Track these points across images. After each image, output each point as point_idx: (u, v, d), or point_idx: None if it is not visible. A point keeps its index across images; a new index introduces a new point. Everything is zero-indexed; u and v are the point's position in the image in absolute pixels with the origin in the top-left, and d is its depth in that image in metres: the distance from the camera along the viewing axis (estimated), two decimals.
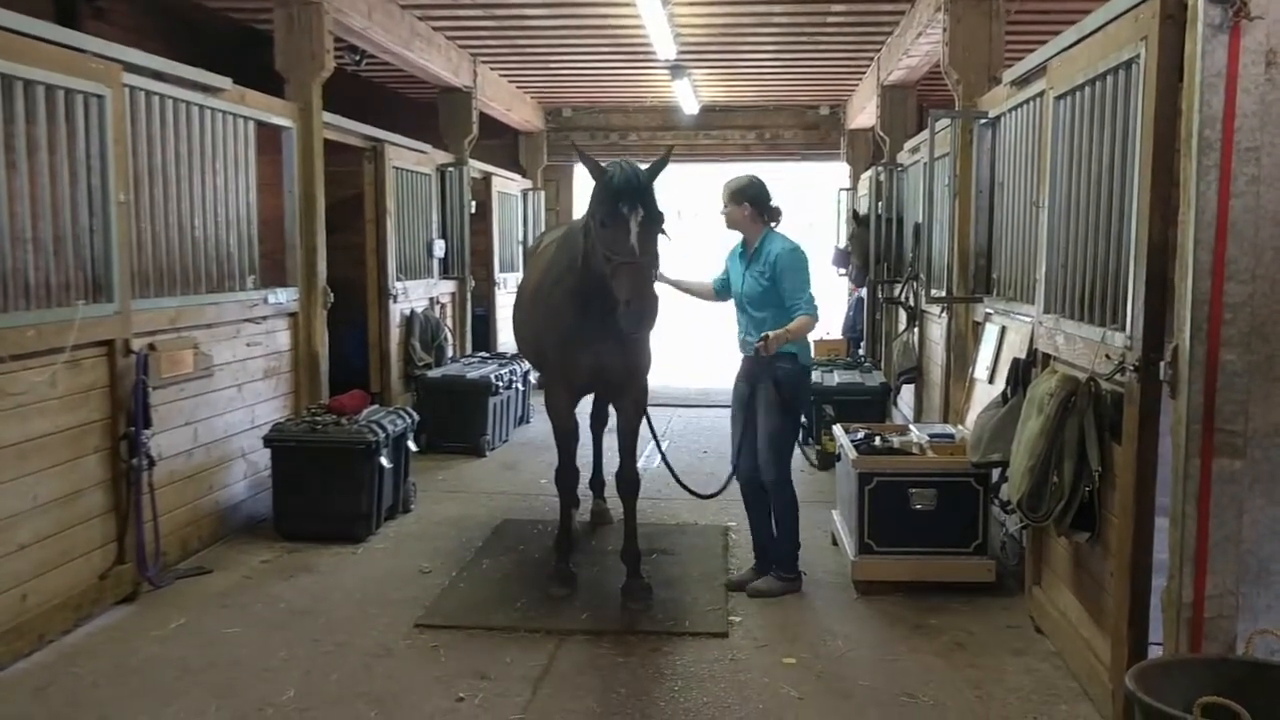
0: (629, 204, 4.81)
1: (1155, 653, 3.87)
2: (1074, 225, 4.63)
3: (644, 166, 5.01)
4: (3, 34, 4.52)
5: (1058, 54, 4.95)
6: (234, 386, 6.61)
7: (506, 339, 12.69)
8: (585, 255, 5.17)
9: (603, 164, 5.00)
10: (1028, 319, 5.49)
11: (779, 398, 5.47)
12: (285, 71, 7.41)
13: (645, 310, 4.78)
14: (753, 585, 5.64)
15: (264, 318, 6.96)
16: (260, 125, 6.99)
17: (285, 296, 7.22)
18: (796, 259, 5.49)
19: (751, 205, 5.56)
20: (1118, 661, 3.93)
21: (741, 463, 5.71)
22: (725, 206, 5.64)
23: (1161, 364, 3.62)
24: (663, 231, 5.03)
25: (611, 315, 5.01)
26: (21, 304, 4.66)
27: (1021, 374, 5.17)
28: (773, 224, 5.63)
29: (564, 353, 5.47)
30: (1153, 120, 3.70)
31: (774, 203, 5.63)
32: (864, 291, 11.89)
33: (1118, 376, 3.99)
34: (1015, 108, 6.10)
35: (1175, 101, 3.60)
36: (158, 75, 5.79)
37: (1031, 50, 5.75)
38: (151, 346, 5.59)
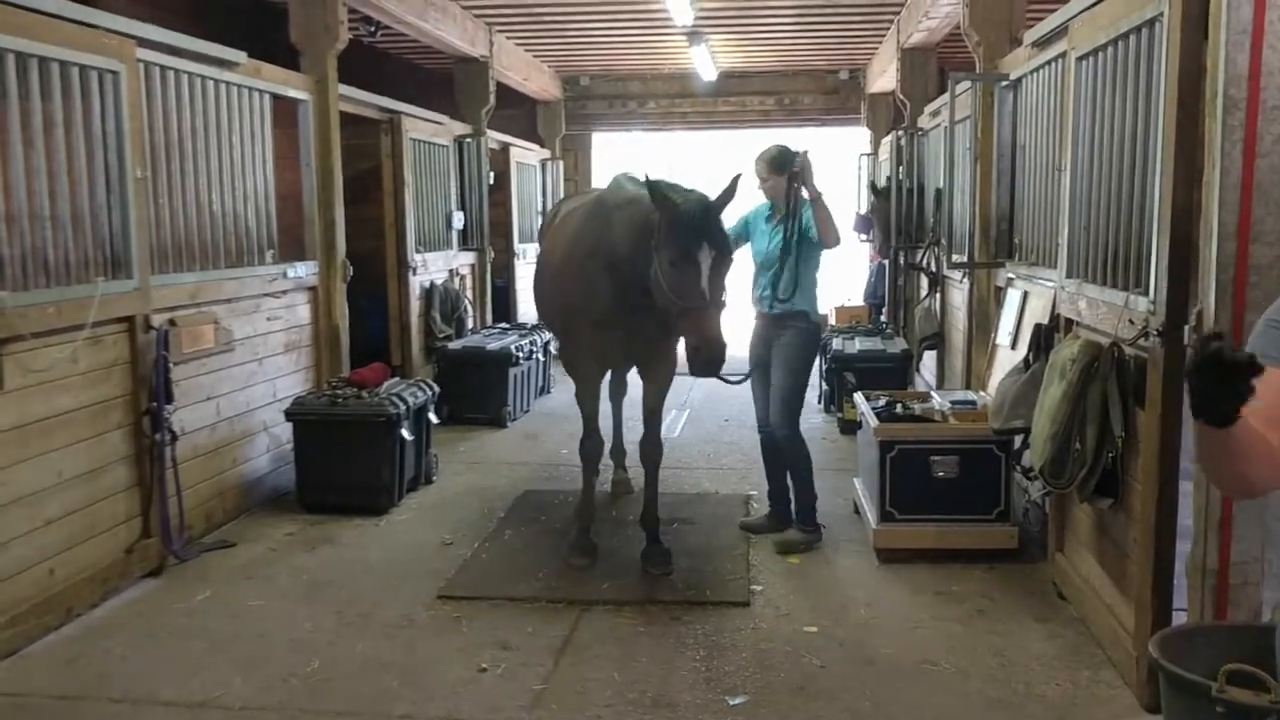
0: (698, 242, 4.58)
1: (1179, 619, 3.84)
2: (1096, 188, 4.56)
3: (712, 198, 4.80)
4: (17, 11, 4.52)
5: (1080, 13, 4.87)
6: (255, 361, 6.64)
7: (526, 310, 12.68)
8: (632, 259, 4.96)
9: (671, 197, 4.72)
10: (1050, 284, 5.43)
11: (790, 355, 5.69)
12: (300, 44, 7.38)
13: (715, 356, 4.63)
14: (778, 538, 5.84)
15: (284, 292, 6.97)
16: (276, 98, 6.97)
17: (305, 270, 7.23)
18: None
19: (789, 172, 5.66)
20: (1141, 628, 3.91)
21: (761, 414, 5.98)
22: (768, 178, 5.73)
23: (1186, 328, 3.58)
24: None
25: (649, 293, 4.95)
26: (42, 281, 4.68)
27: (1044, 340, 5.12)
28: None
29: (597, 328, 5.34)
30: (1176, 79, 3.62)
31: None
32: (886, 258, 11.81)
33: (1141, 341, 3.94)
34: (1037, 69, 6.02)
35: (1199, 60, 3.53)
36: (172, 50, 5.77)
37: (1052, 10, 5.65)
38: (172, 322, 5.61)
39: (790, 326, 5.68)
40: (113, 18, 5.30)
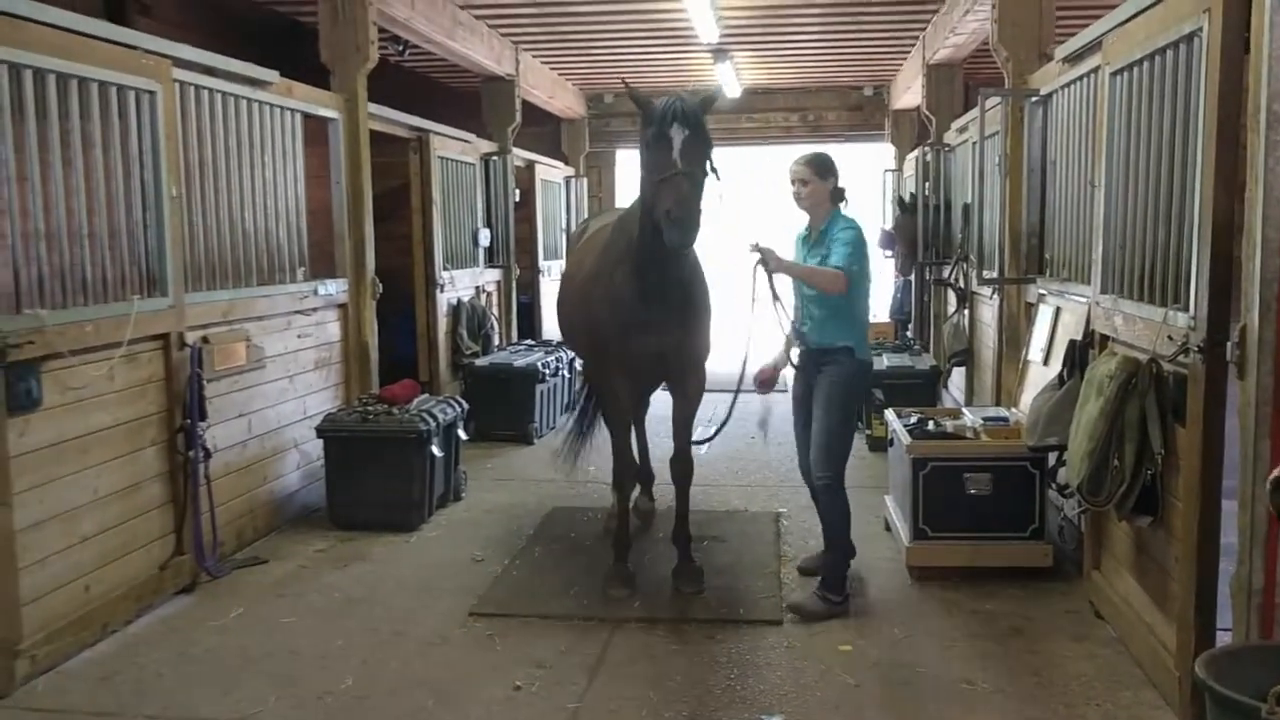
0: (672, 124, 4.72)
1: (1223, 639, 3.79)
2: (1132, 204, 4.54)
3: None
4: (58, 33, 4.57)
5: (1113, 29, 4.85)
6: (286, 378, 6.67)
7: (552, 326, 12.70)
8: (642, 225, 5.04)
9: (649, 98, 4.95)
10: (1083, 300, 5.40)
11: (828, 393, 5.16)
12: (330, 63, 7.43)
13: (688, 220, 4.64)
14: (791, 601, 5.21)
15: (314, 309, 7.00)
16: (307, 117, 7.02)
17: (335, 288, 7.26)
18: (854, 235, 5.13)
19: (823, 180, 5.19)
20: (1184, 648, 3.86)
21: (804, 462, 5.47)
22: (808, 180, 5.19)
23: (1229, 344, 3.54)
24: (712, 167, 4.88)
25: (674, 299, 5.01)
26: (80, 299, 4.73)
27: (1078, 356, 5.09)
28: (841, 204, 5.30)
29: (625, 340, 5.29)
30: (1217, 95, 3.60)
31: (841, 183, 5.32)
32: (911, 274, 11.77)
33: (1181, 358, 3.91)
34: (1068, 85, 5.99)
35: (1240, 75, 3.51)
36: (207, 70, 5.83)
37: (1083, 26, 5.64)
38: (205, 339, 5.64)
39: (832, 363, 5.17)
40: (150, 38, 5.36)
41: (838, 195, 5.28)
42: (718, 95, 5.12)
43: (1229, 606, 3.65)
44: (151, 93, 5.19)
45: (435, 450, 6.66)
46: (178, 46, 5.55)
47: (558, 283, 13.27)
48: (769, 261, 5.02)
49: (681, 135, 4.74)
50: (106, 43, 4.93)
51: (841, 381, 5.18)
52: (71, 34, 4.67)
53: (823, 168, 5.21)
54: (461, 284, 10.05)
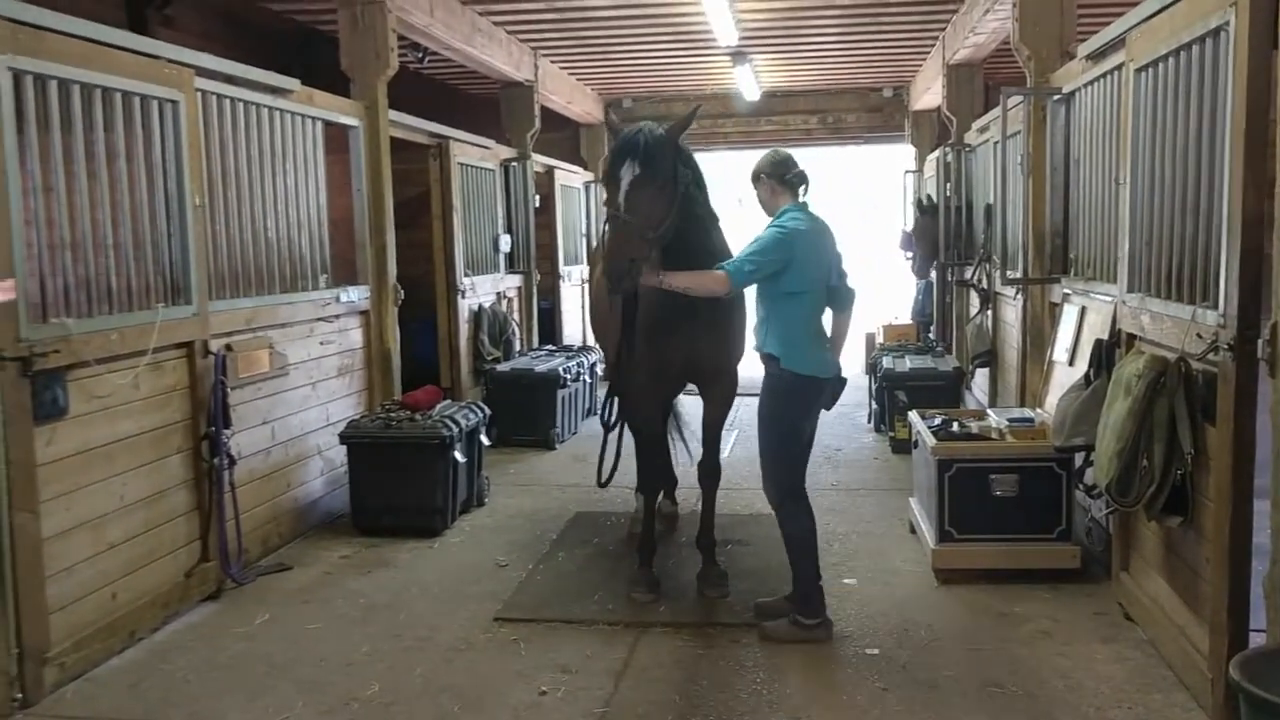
0: (622, 162, 4.68)
1: (1255, 640, 3.75)
2: (1159, 201, 4.49)
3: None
4: (82, 44, 4.61)
5: (1137, 25, 4.81)
6: (309, 385, 6.69)
7: (572, 332, 12.74)
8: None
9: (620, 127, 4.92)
10: (1109, 299, 5.36)
11: (759, 406, 4.91)
12: (351, 71, 7.46)
13: (611, 271, 4.65)
14: (763, 626, 4.91)
15: (336, 316, 7.02)
16: (328, 125, 7.05)
17: (357, 295, 7.28)
18: (773, 232, 4.76)
19: (768, 178, 4.93)
20: (1216, 650, 3.82)
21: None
22: (755, 192, 5.02)
23: (1260, 342, 3.50)
24: (682, 191, 4.79)
25: (699, 303, 4.96)
26: (105, 308, 4.76)
27: (1105, 356, 5.04)
28: (799, 192, 4.93)
29: (653, 345, 5.22)
30: (1245, 89, 3.57)
31: (797, 169, 4.93)
32: (933, 275, 11.72)
33: (1210, 356, 3.87)
34: (1091, 83, 5.95)
35: (1269, 69, 3.47)
36: (228, 79, 5.86)
37: (1104, 24, 5.61)
38: (229, 347, 5.67)
39: (766, 373, 4.88)
40: (173, 48, 5.39)
41: (795, 181, 4.92)
42: (692, 118, 4.97)
43: (1262, 607, 3.61)
44: (174, 102, 5.22)
45: (458, 456, 6.66)
46: (199, 56, 5.58)
47: (578, 288, 13.34)
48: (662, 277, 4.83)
49: (630, 175, 4.66)
50: (129, 53, 4.97)
51: (766, 395, 4.88)
52: (95, 44, 4.71)
53: (755, 176, 5.00)
54: (482, 290, 10.07)
